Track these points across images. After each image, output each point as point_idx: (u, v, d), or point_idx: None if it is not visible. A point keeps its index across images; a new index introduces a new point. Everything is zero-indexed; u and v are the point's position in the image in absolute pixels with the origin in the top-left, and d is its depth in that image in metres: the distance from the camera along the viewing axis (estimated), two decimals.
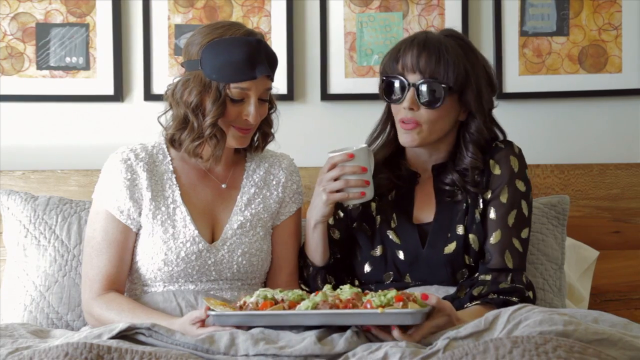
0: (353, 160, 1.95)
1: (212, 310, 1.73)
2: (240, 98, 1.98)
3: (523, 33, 2.76)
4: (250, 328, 1.71)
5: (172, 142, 2.07)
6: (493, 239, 1.97)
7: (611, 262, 2.61)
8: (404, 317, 1.62)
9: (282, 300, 1.73)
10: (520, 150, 2.06)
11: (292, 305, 1.71)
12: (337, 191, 1.96)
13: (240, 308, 1.74)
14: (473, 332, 1.57)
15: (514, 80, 2.75)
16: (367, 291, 1.74)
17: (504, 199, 1.99)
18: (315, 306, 1.67)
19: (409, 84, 1.99)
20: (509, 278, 1.94)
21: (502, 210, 1.98)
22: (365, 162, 1.96)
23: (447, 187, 2.04)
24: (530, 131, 2.71)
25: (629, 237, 2.64)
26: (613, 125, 2.78)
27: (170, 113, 2.06)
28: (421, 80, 1.98)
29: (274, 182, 2.14)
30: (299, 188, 2.18)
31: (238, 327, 1.72)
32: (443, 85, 1.96)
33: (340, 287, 1.77)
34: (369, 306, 1.64)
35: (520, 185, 2.01)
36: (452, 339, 1.56)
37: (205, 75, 1.97)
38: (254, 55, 1.96)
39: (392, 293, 1.67)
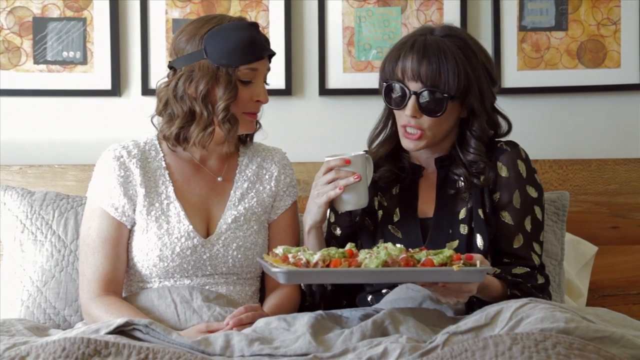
0: (349, 166, 1.94)
1: (277, 267, 1.68)
2: (249, 79, 1.99)
3: (522, 28, 2.76)
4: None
5: (177, 140, 2.02)
6: (516, 243, 1.98)
7: (609, 257, 2.61)
8: (475, 274, 1.66)
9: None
10: (526, 154, 2.05)
11: (336, 263, 1.67)
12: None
13: (306, 266, 1.67)
14: (473, 326, 1.58)
15: (512, 75, 2.74)
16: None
17: (517, 204, 1.98)
18: (384, 264, 1.65)
19: (410, 92, 1.96)
20: (536, 273, 1.96)
21: (518, 216, 1.98)
22: (360, 169, 1.94)
23: (455, 177, 2.02)
24: (529, 126, 2.70)
25: (627, 233, 2.64)
26: (611, 121, 2.77)
27: (164, 114, 2.03)
28: (422, 89, 1.95)
29: (267, 176, 2.14)
30: (293, 181, 2.18)
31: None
32: (445, 95, 1.94)
33: (378, 245, 1.76)
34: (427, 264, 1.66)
35: (532, 192, 2.01)
36: (452, 334, 1.56)
37: (212, 62, 1.96)
38: (256, 37, 2.00)
39: (449, 252, 1.69)
